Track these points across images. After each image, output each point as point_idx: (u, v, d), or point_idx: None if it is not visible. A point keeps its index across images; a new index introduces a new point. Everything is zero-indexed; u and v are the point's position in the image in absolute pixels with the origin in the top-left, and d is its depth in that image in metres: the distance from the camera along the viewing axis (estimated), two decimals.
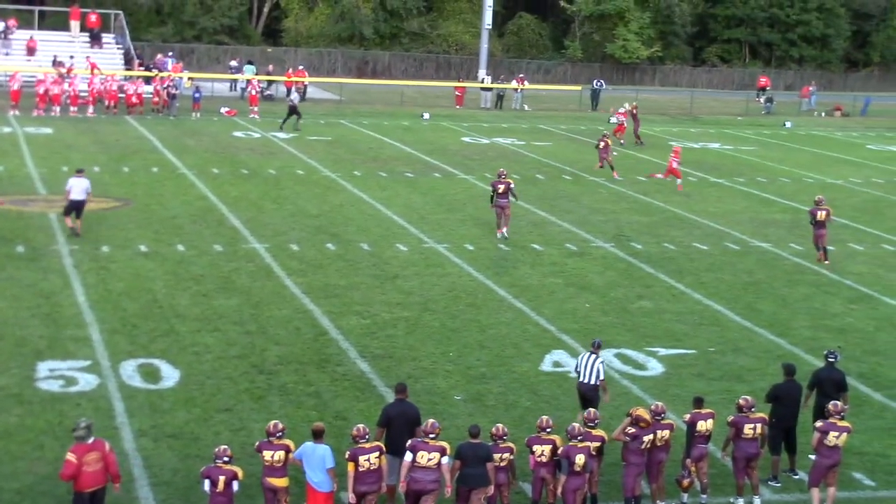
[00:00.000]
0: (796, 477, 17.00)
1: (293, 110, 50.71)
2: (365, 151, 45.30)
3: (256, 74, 61.50)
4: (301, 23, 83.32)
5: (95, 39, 63.23)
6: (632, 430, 15.45)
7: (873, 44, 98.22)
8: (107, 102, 51.93)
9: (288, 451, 14.45)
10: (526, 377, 20.51)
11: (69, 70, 54.37)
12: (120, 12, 67.68)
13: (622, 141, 50.60)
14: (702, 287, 27.22)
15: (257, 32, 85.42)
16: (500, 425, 15.11)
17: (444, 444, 14.60)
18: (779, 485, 16.81)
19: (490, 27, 76.09)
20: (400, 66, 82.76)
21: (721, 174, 44.07)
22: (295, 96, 52.67)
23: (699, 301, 26.05)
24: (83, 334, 21.50)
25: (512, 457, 14.93)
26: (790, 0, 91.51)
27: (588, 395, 17.60)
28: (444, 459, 14.46)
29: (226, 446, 14.31)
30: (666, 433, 15.66)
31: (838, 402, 16.13)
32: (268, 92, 62.14)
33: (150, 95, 53.73)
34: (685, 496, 15.97)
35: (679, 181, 40.15)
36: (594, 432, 15.34)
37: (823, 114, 72.17)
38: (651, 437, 15.48)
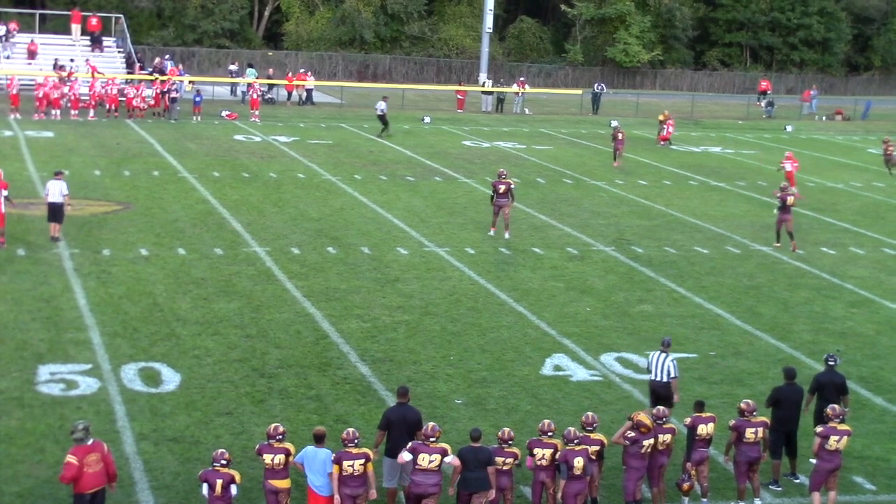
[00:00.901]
0: (797, 481, 17.02)
1: (382, 119, 51.49)
2: (366, 155, 45.32)
3: (257, 78, 61.56)
4: (302, 26, 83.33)
5: (96, 43, 63.27)
6: (632, 434, 15.45)
7: (874, 48, 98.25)
8: (107, 106, 51.95)
9: (288, 454, 14.47)
10: (527, 381, 20.52)
11: (69, 74, 54.38)
12: (121, 16, 67.72)
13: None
14: (703, 291, 27.23)
15: (258, 36, 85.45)
16: (506, 429, 15.12)
17: (445, 445, 14.62)
18: (780, 489, 16.83)
19: (491, 31, 76.18)
20: (401, 69, 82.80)
21: (722, 178, 44.07)
22: (381, 105, 52.48)
23: (700, 305, 26.06)
24: (84, 338, 21.51)
25: (517, 462, 14.94)
26: (791, 4, 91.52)
27: (660, 393, 17.90)
28: (448, 458, 14.48)
29: (223, 450, 14.31)
30: (667, 437, 15.66)
31: (836, 406, 16.13)
32: (268, 95, 62.17)
33: (150, 99, 53.68)
34: (686, 500, 15.97)
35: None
36: (593, 436, 15.34)
37: (824, 117, 72.19)
38: (651, 441, 15.48)
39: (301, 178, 39.07)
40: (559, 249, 30.59)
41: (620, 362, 21.81)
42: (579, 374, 21.07)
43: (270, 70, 66.81)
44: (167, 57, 66.47)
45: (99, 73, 55.19)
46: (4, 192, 27.78)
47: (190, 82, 61.18)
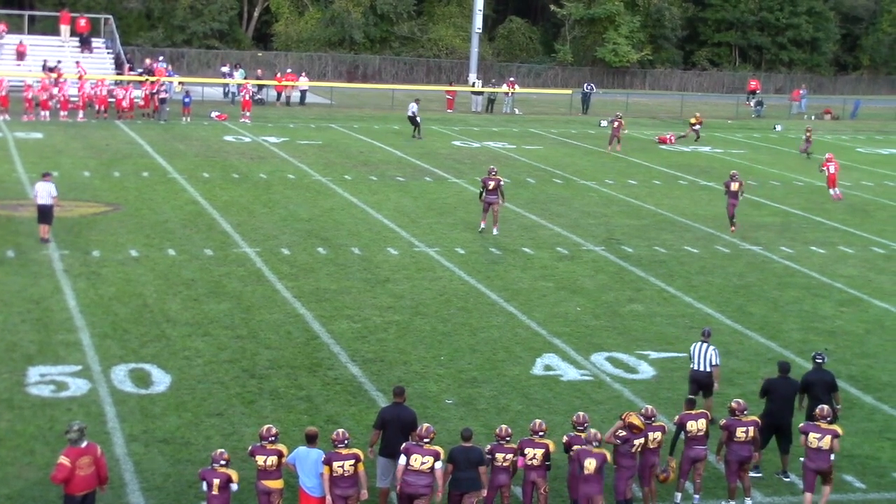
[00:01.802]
0: (787, 479, 17.03)
1: (412, 120, 51.95)
2: (356, 155, 45.29)
3: (246, 79, 61.48)
4: (291, 27, 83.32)
5: (85, 44, 63.11)
6: (623, 433, 15.46)
7: (862, 47, 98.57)
8: (97, 107, 51.84)
9: (280, 455, 14.47)
10: (517, 381, 20.52)
11: (59, 75, 54.25)
12: (110, 17, 67.60)
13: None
14: (692, 290, 27.26)
15: (248, 37, 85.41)
16: (504, 426, 15.13)
17: (438, 448, 14.61)
18: (759, 475, 16.85)
19: (480, 31, 76.23)
20: (390, 69, 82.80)
21: (711, 177, 44.12)
22: (413, 107, 52.71)
23: (690, 304, 26.08)
24: (74, 339, 21.46)
25: (515, 458, 14.94)
26: (780, 4, 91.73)
27: (702, 381, 18.40)
28: (438, 464, 14.47)
29: (223, 450, 14.36)
30: (657, 435, 15.67)
31: (825, 406, 16.15)
32: (258, 96, 62.11)
33: (140, 100, 53.60)
34: (678, 496, 15.97)
35: (833, 191, 40.78)
36: (583, 435, 15.34)
37: (813, 117, 72.34)
38: (642, 440, 15.49)
39: (291, 179, 39.04)
40: (549, 249, 30.60)
41: (611, 362, 21.82)
42: (570, 373, 21.07)
43: (259, 71, 66.72)
44: (160, 58, 66.39)
45: (80, 73, 54.79)
46: None
47: (179, 83, 61.09)
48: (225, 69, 65.85)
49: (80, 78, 53.92)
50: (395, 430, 15.23)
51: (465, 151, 48.37)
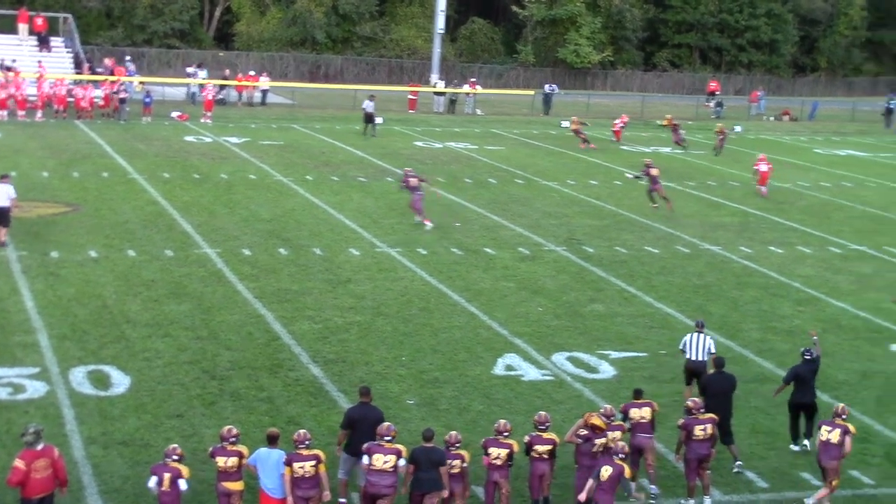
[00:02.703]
0: (737, 467, 17.19)
1: (369, 118, 52.61)
2: (317, 156, 45.19)
3: (206, 79, 61.13)
4: (253, 27, 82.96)
5: (43, 43, 62.59)
6: (584, 432, 15.51)
7: (820, 49, 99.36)
8: (55, 107, 51.44)
9: (241, 456, 14.41)
10: (479, 381, 20.52)
11: (16, 74, 53.76)
12: (69, 15, 67.09)
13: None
14: (653, 290, 27.37)
15: (209, 36, 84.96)
16: (453, 433, 15.10)
17: (400, 446, 14.60)
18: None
19: (443, 31, 76.23)
20: (352, 70, 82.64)
21: (671, 178, 44.26)
22: (369, 104, 53.18)
23: (650, 304, 26.18)
24: (31, 340, 21.28)
25: (465, 465, 14.91)
26: (739, 6, 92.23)
27: (698, 370, 18.96)
28: (401, 462, 14.47)
29: (176, 445, 14.30)
30: (617, 434, 15.73)
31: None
32: (219, 96, 61.80)
33: (100, 100, 53.24)
34: (632, 486, 16.01)
35: (762, 188, 41.62)
36: (545, 435, 15.37)
37: (772, 118, 72.80)
38: (604, 440, 15.53)
39: (252, 179, 38.89)
40: (511, 250, 30.64)
41: (572, 361, 21.86)
42: (531, 373, 21.11)
43: (227, 71, 66.26)
44: (127, 58, 65.92)
45: (40, 72, 54.29)
46: None
47: (140, 83, 60.72)
48: (190, 69, 65.46)
49: (39, 77, 53.45)
50: (363, 430, 15.25)
51: (426, 152, 48.35)
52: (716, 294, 27.45)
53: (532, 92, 72.62)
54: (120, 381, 19.46)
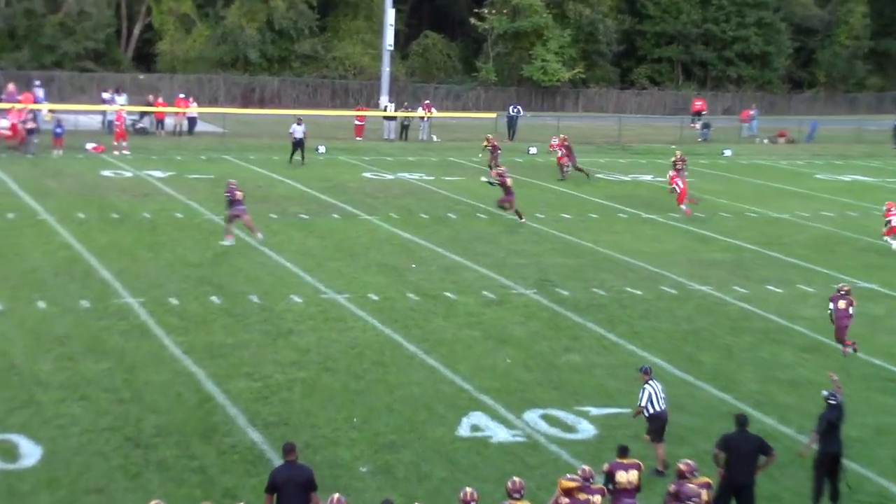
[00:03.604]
0: None
1: (297, 144, 53.38)
2: (252, 191, 45.09)
3: (122, 106, 60.82)
4: (177, 45, 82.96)
5: None
6: (565, 500, 15.48)
7: (818, 62, 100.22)
8: None
9: None
10: (441, 444, 20.48)
11: None
12: None
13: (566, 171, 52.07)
14: (636, 337, 27.43)
15: (127, 57, 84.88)
16: (468, 489, 15.03)
17: None
18: None
19: (392, 48, 76.40)
20: (291, 93, 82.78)
21: (654, 210, 44.57)
22: (298, 129, 53.69)
23: (633, 353, 26.24)
24: None
25: None
26: (726, 14, 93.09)
27: (666, 421, 19.61)
28: None
29: None
30: (597, 498, 15.72)
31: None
32: (140, 125, 61.63)
33: (6, 130, 52.99)
34: None
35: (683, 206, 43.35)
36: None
37: (766, 140, 73.50)
38: None
39: (179, 218, 38.78)
40: (474, 294, 30.66)
41: (546, 420, 21.86)
42: (500, 434, 21.08)
43: (151, 97, 65.98)
44: (37, 83, 65.67)
45: None
46: None
47: (49, 111, 60.51)
48: (106, 95, 65.23)
49: None
50: (290, 493, 15.20)
51: (377, 184, 48.41)
52: (708, 341, 27.55)
53: (494, 115, 72.91)
54: (30, 452, 19.27)
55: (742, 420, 17.78)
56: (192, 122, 63.46)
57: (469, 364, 24.88)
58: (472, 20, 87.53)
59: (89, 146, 54.58)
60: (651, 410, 19.48)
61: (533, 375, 24.42)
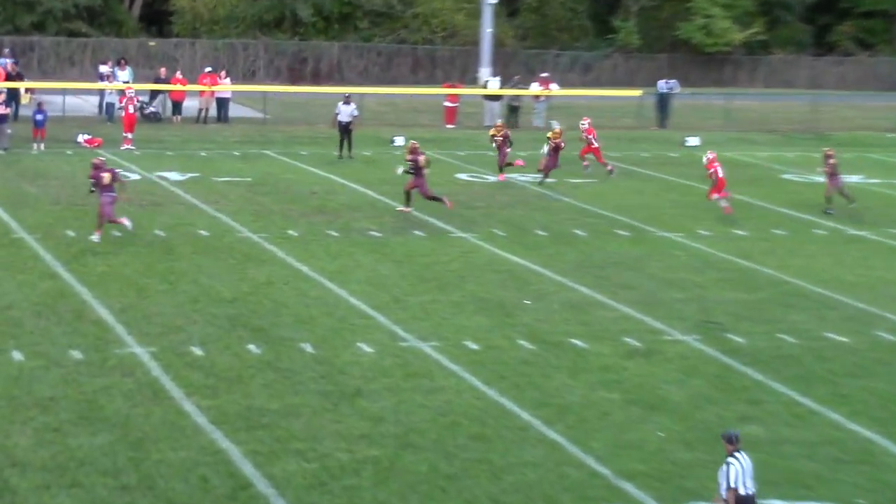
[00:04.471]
0: None
1: (344, 129, 54.59)
2: (305, 198, 45.36)
3: (127, 83, 61.47)
4: (201, 2, 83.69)
5: None
6: None
7: None
8: None
9: None
10: None
11: None
12: None
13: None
14: (842, 402, 27.17)
15: (132, 17, 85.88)
16: None
17: None
18: None
19: (495, 2, 76.34)
20: (356, 64, 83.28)
21: (865, 224, 44.15)
22: (348, 109, 54.92)
23: (838, 424, 25.99)
24: None
25: None
26: None
27: None
28: None
29: None
30: None
31: None
32: (150, 109, 62.16)
33: None
34: None
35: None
36: None
37: None
38: None
39: (204, 237, 39.06)
40: (612, 341, 30.57)
41: None
42: None
43: (162, 70, 66.50)
44: (6, 50, 66.58)
45: None
46: None
47: (27, 91, 61.30)
48: (104, 68, 65.97)
49: None
50: None
51: (475, 189, 48.48)
52: None
53: (639, 92, 72.77)
54: None
55: None
56: (222, 104, 63.86)
57: (605, 439, 24.77)
58: None
59: (81, 138, 55.16)
60: (739, 492, 19.06)
61: (695, 455, 24.25)
